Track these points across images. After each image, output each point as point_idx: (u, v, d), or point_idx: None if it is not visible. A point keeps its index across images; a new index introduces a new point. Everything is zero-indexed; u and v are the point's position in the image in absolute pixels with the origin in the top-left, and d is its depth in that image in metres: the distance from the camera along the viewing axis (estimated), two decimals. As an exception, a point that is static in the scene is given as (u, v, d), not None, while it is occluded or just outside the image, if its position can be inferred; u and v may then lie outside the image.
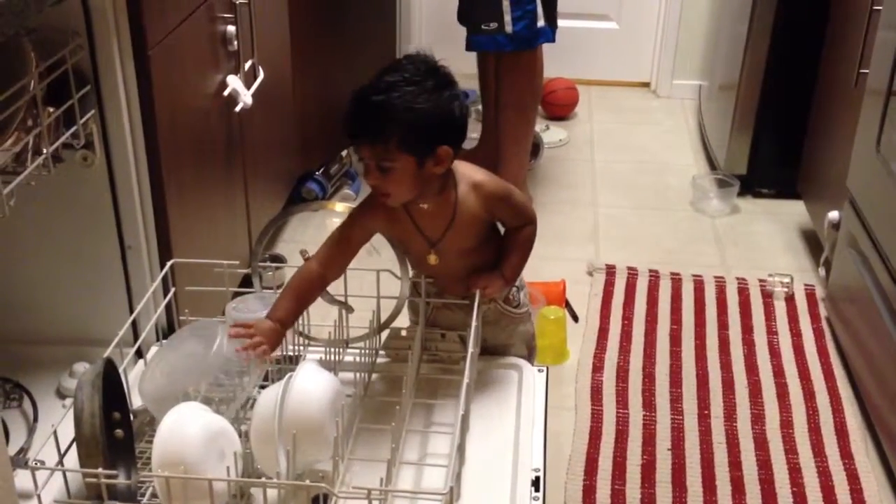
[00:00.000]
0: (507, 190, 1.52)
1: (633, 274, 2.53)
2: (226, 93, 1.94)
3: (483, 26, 2.60)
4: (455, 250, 1.52)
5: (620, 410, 2.03)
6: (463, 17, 2.76)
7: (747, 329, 2.32)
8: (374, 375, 1.59)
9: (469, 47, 2.69)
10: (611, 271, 2.54)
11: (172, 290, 1.62)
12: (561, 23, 2.78)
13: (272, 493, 1.27)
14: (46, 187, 1.49)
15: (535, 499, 1.34)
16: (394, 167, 1.37)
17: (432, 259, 1.51)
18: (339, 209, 1.65)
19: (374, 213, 1.48)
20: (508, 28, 2.56)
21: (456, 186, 1.48)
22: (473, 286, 1.52)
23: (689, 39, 3.68)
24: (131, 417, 1.39)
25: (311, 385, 1.31)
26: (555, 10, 2.71)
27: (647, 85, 3.87)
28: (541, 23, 2.61)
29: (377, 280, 1.58)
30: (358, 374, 1.52)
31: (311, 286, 1.49)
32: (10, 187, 1.31)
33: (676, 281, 2.50)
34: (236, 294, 1.61)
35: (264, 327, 1.41)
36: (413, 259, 1.58)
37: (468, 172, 1.50)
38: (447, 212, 1.48)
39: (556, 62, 3.03)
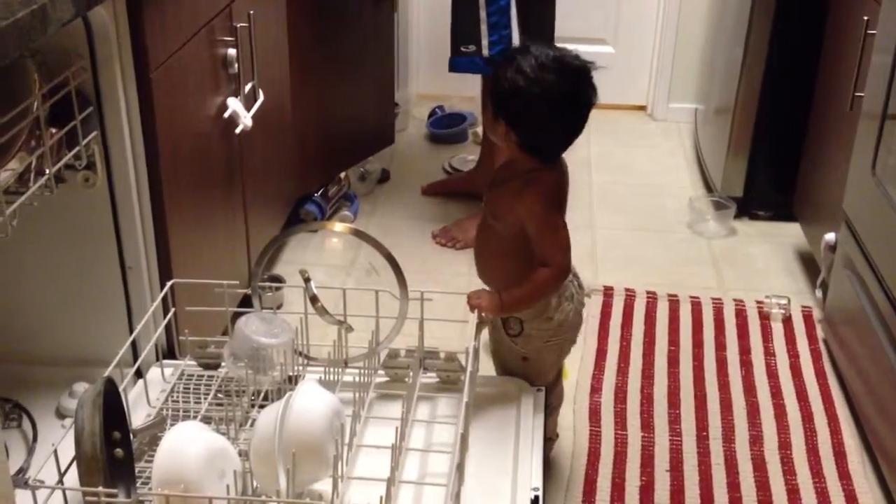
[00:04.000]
0: (546, 215, 1.56)
1: (630, 295, 2.54)
2: (226, 115, 1.95)
3: (462, 48, 2.62)
4: (489, 226, 1.62)
5: (619, 431, 2.03)
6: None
7: (745, 350, 2.33)
8: (373, 395, 1.60)
9: (450, 68, 2.71)
10: (608, 293, 2.55)
11: (172, 310, 1.63)
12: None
13: (272, 511, 1.27)
14: (47, 208, 1.50)
15: (535, 518, 1.35)
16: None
17: (485, 197, 1.65)
18: (338, 229, 1.66)
19: None
20: (485, 51, 2.58)
21: (524, 175, 1.57)
22: (469, 299, 1.55)
23: (684, 63, 3.71)
24: (131, 437, 1.39)
25: (311, 404, 1.32)
26: (539, 35, 2.71)
27: (643, 108, 3.89)
28: None
29: (376, 300, 1.59)
30: (357, 394, 1.53)
31: None
32: (13, 207, 1.32)
33: (674, 302, 2.51)
34: (236, 314, 1.61)
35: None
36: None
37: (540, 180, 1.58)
38: (502, 175, 1.62)
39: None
